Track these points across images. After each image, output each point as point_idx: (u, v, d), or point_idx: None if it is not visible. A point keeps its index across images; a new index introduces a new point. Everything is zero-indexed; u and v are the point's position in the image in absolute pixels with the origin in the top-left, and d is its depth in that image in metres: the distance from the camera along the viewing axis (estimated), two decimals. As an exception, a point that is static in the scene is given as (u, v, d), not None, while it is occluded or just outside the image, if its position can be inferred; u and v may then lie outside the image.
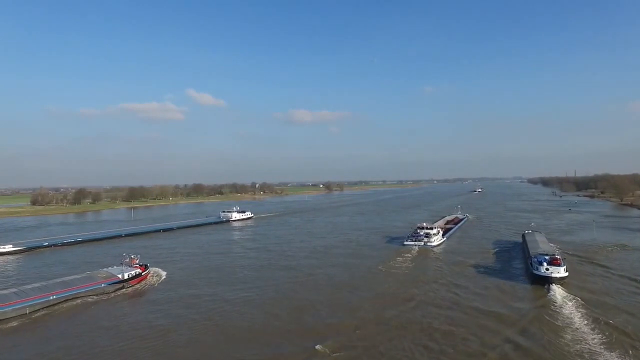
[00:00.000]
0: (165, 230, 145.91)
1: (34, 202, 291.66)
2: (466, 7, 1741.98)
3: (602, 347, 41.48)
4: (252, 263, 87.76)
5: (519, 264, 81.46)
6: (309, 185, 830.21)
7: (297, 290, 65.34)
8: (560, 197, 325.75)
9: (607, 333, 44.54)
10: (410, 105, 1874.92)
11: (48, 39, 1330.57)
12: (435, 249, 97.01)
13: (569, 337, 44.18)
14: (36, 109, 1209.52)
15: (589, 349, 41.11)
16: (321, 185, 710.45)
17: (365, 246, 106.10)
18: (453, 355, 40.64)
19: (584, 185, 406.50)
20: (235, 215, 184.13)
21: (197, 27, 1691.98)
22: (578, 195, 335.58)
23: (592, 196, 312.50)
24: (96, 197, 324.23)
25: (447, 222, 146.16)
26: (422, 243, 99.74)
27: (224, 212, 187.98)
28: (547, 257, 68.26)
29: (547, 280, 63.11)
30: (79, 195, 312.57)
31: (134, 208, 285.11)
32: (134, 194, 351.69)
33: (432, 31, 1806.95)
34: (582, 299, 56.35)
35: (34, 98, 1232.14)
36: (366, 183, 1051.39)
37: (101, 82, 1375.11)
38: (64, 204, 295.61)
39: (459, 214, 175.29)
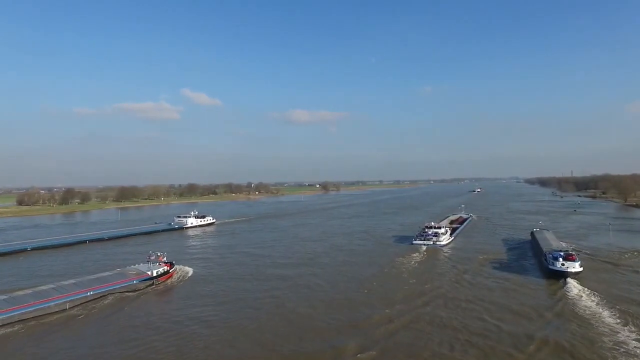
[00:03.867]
0: (92, 240, 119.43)
1: (20, 202, 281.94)
2: (465, 6, 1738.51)
3: (625, 332, 44.14)
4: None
5: (530, 260, 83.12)
6: (305, 185, 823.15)
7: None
8: (562, 197, 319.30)
9: (627, 319, 47.53)
10: (408, 105, 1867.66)
11: (43, 38, 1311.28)
12: (444, 249, 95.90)
13: (594, 327, 45.67)
14: (32, 108, 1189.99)
15: (616, 338, 42.78)
16: (318, 185, 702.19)
17: (368, 250, 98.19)
18: (492, 348, 40.72)
19: (583, 185, 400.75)
20: (192, 221, 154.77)
21: (193, 26, 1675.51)
22: (579, 196, 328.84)
23: (593, 197, 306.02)
24: (85, 197, 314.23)
25: (452, 222, 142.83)
26: (431, 242, 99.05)
27: (178, 217, 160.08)
28: (562, 253, 70.29)
29: (563, 275, 65.30)
30: (67, 195, 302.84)
31: (124, 208, 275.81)
32: (125, 194, 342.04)
33: (430, 31, 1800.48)
34: (598, 292, 58.17)
35: (29, 97, 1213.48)
36: (363, 183, 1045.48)
37: (96, 81, 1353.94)
38: (52, 204, 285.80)
39: (463, 213, 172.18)
